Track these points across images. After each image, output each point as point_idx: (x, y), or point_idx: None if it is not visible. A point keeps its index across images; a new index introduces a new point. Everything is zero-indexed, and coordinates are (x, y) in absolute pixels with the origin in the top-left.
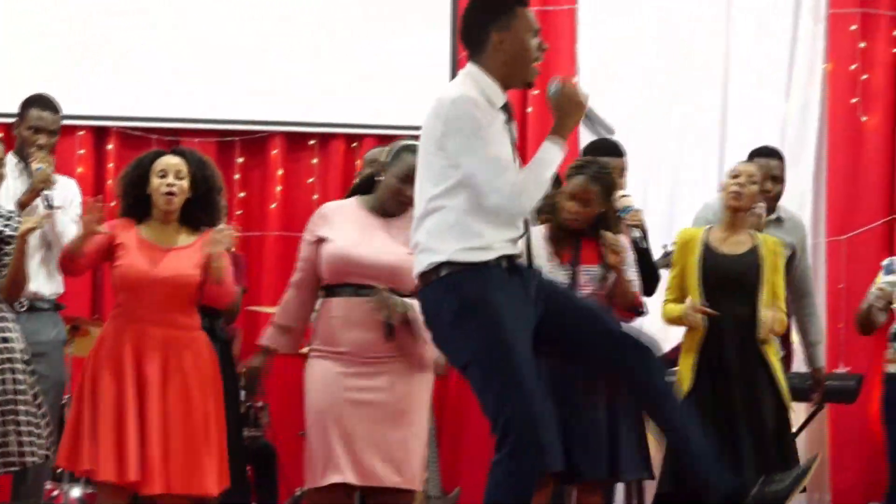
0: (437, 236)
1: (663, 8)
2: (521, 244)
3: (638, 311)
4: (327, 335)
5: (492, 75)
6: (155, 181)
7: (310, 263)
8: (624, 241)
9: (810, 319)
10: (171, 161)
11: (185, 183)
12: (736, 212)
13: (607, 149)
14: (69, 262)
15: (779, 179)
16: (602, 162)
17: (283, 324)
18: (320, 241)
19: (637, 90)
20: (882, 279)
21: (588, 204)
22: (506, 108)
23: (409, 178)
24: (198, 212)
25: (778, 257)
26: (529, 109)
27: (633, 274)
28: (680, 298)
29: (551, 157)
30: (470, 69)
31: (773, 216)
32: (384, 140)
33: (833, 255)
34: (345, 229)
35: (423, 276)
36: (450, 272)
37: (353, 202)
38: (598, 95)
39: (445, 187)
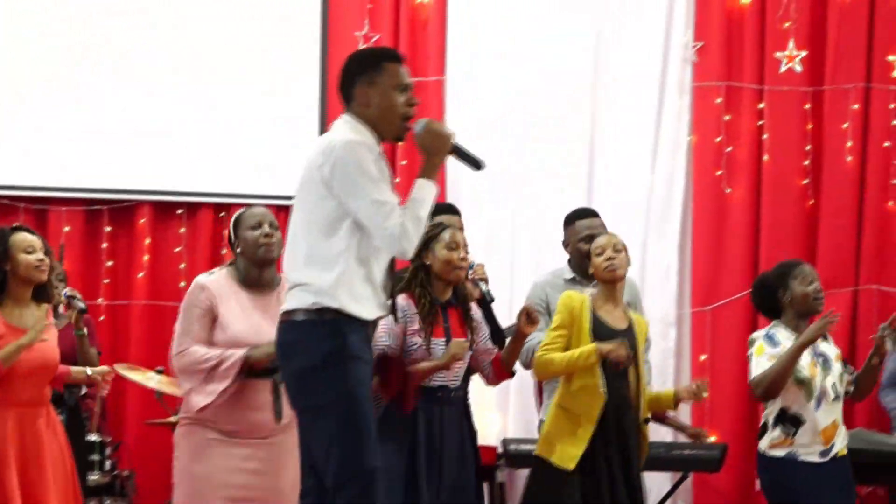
0: (327, 281)
1: (530, 81)
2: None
3: (513, 373)
4: (211, 409)
5: (366, 126)
6: (23, 257)
7: (203, 333)
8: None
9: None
10: (33, 237)
11: (47, 259)
12: (616, 283)
13: (443, 208)
14: None
15: None
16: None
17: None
18: (214, 317)
19: (503, 163)
20: (767, 351)
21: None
22: (382, 159)
23: (257, 225)
24: (46, 288)
25: (644, 337)
26: (403, 162)
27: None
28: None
29: (425, 195)
30: (346, 118)
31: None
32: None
33: (697, 327)
34: (232, 311)
35: (302, 311)
36: (334, 318)
37: (226, 276)
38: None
39: (335, 231)
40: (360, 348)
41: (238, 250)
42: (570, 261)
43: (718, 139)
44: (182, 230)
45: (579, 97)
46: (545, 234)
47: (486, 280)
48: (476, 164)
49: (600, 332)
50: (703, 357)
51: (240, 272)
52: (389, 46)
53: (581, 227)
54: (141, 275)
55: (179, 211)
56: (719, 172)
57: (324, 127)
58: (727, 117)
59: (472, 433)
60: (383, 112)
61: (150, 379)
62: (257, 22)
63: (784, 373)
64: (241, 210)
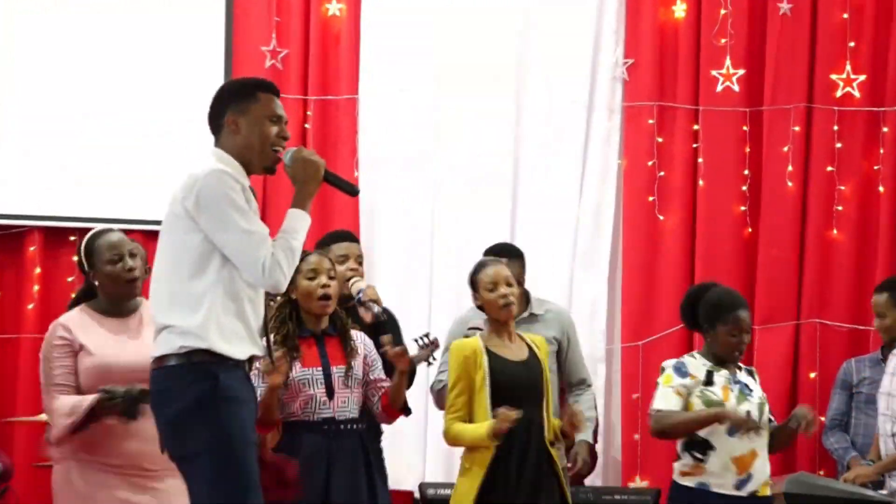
0: (195, 321)
1: (449, 103)
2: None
3: (408, 411)
4: (92, 443)
5: (234, 157)
6: None
7: (68, 376)
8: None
9: (581, 397)
10: None
11: None
12: (509, 321)
13: (341, 236)
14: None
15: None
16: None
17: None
18: (77, 350)
19: (418, 191)
20: (675, 382)
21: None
22: (250, 192)
23: (117, 258)
24: None
25: (548, 356)
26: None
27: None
28: (467, 417)
29: (298, 225)
30: (213, 150)
31: (524, 314)
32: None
33: (628, 363)
34: (95, 340)
35: (171, 356)
36: (204, 360)
37: (82, 311)
38: (374, 184)
39: (202, 267)
40: (235, 388)
41: (95, 283)
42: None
43: (651, 163)
44: (75, 258)
45: (501, 119)
46: (466, 265)
47: (377, 301)
48: (350, 190)
49: (501, 371)
50: (635, 395)
51: (99, 304)
52: (263, 77)
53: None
54: (31, 306)
55: (72, 237)
56: (651, 198)
57: None
58: (660, 139)
59: (378, 473)
60: (253, 142)
61: (40, 416)
62: (156, 38)
63: (686, 429)
64: (93, 234)
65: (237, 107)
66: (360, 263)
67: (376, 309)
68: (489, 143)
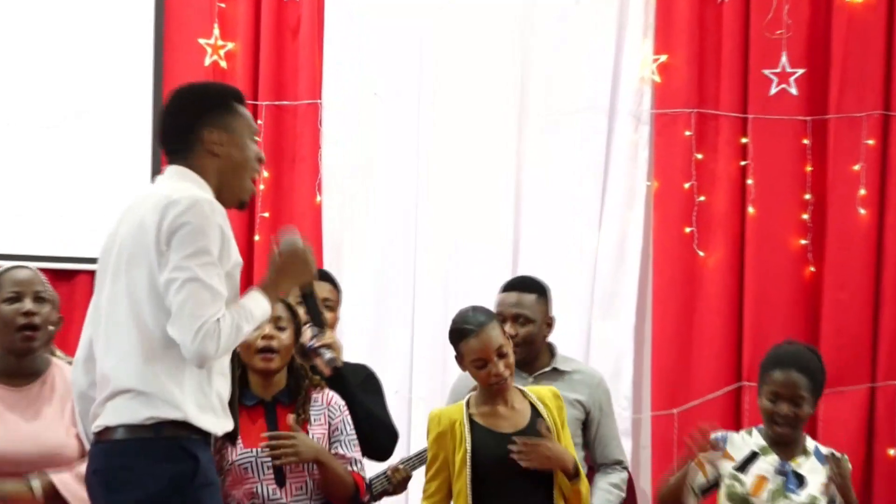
0: (170, 386)
1: (435, 106)
2: None
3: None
4: None
5: (209, 184)
6: None
7: None
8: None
9: (610, 476)
10: None
11: None
12: (502, 392)
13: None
14: None
15: (527, 320)
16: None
17: None
18: None
19: (396, 217)
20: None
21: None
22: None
23: (14, 297)
24: None
25: (562, 411)
26: (256, 237)
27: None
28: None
29: (258, 312)
30: (179, 170)
31: (545, 368)
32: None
33: (660, 434)
34: None
35: (129, 428)
36: (177, 435)
37: None
38: (341, 211)
39: (166, 332)
40: (212, 471)
41: None
42: None
43: (688, 185)
44: None
45: (500, 130)
46: (455, 310)
47: (331, 345)
48: (317, 322)
49: (486, 446)
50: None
51: None
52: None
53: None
54: None
55: None
56: (689, 229)
57: (157, 162)
58: (699, 155)
59: None
60: (234, 166)
61: None
62: (71, 28)
63: (676, 490)
64: (1, 270)
65: (215, 121)
66: (331, 308)
67: (328, 354)
68: (485, 159)
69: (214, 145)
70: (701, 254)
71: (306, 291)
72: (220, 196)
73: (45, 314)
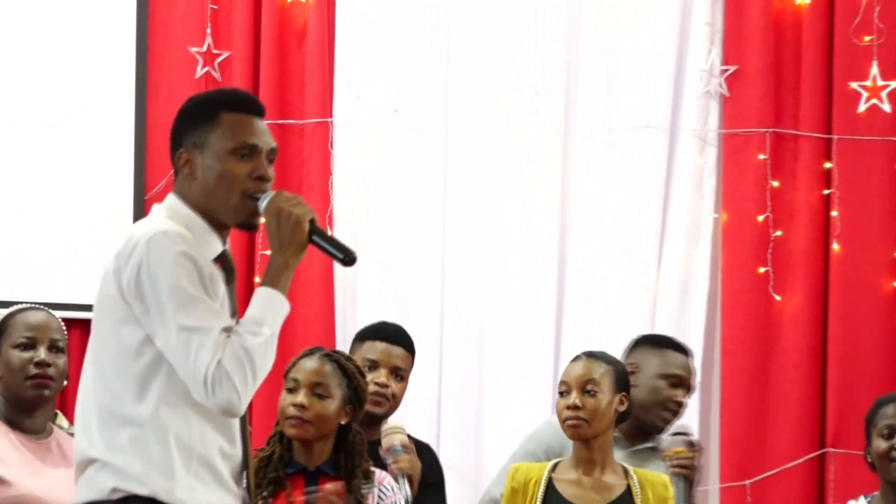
0: (128, 452)
1: (466, 126)
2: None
3: None
4: None
5: (195, 210)
6: None
7: None
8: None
9: None
10: None
11: None
12: (586, 441)
13: (379, 331)
14: None
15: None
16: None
17: None
18: None
19: (423, 243)
20: None
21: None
22: (224, 260)
23: (29, 343)
24: None
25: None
26: (257, 279)
27: None
28: None
29: (266, 312)
30: (168, 200)
31: (646, 444)
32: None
33: None
34: (9, 461)
35: None
36: None
37: None
38: (356, 246)
39: (150, 374)
40: None
41: None
42: None
43: (762, 217)
44: None
45: (541, 153)
46: (492, 362)
47: (410, 477)
48: (344, 256)
49: None
50: None
51: (2, 411)
52: (240, 89)
53: (671, 362)
54: None
55: None
56: (764, 269)
57: (140, 198)
58: (775, 183)
59: None
60: (214, 185)
61: None
62: (62, 34)
63: None
64: (11, 311)
65: (192, 137)
66: (402, 378)
67: (405, 488)
68: (524, 188)
69: (187, 166)
70: (777, 298)
71: (312, 238)
72: (216, 223)
73: (62, 367)
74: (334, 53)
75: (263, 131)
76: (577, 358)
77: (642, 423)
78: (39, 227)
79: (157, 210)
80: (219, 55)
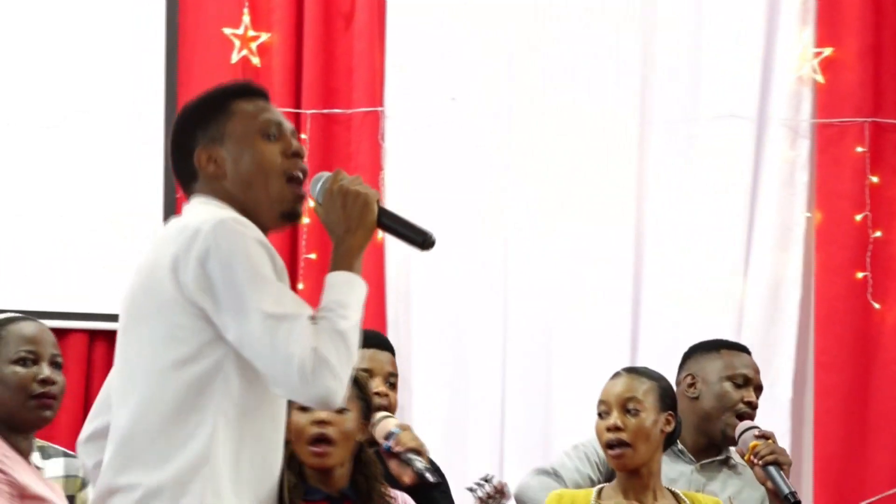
0: (171, 475)
1: (529, 114)
2: None
3: None
4: None
5: (236, 207)
6: None
7: None
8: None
9: None
10: None
11: None
12: (630, 472)
13: (373, 339)
14: None
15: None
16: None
17: None
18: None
19: (482, 242)
20: None
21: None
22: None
23: (29, 358)
24: None
25: None
26: (301, 286)
27: None
28: None
29: (349, 296)
30: (196, 200)
31: (718, 455)
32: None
33: None
34: (27, 479)
35: None
36: None
37: None
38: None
39: (204, 385)
40: None
41: None
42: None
43: (860, 217)
44: None
45: (613, 145)
46: (557, 380)
47: (418, 451)
48: (420, 238)
49: None
50: None
51: None
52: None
53: (731, 363)
54: None
55: None
56: (862, 274)
57: (170, 181)
58: (874, 178)
59: None
60: (249, 174)
61: None
62: (80, 25)
63: None
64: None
65: (207, 133)
66: (393, 386)
67: (418, 464)
68: (595, 182)
69: (211, 164)
70: (877, 306)
71: (381, 221)
72: (257, 218)
73: (62, 385)
74: (385, 35)
75: (279, 112)
76: (616, 374)
77: (710, 436)
78: (69, 229)
79: (197, 206)
80: (257, 37)
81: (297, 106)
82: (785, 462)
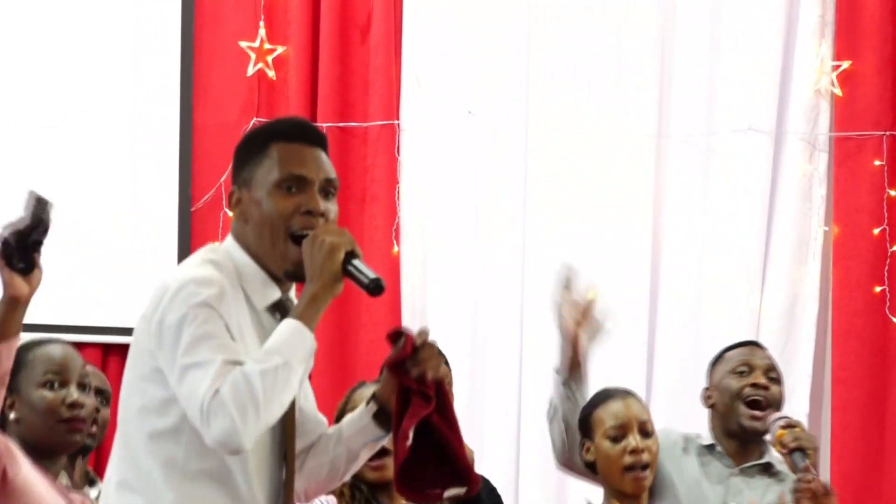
0: None
1: (548, 130)
2: None
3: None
4: None
5: (252, 257)
6: None
7: None
8: None
9: None
10: None
11: None
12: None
13: None
14: None
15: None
16: None
17: None
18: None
19: (499, 260)
20: None
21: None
22: (282, 309)
23: (56, 382)
24: None
25: None
26: None
27: None
28: None
29: (286, 346)
30: (226, 243)
31: (759, 459)
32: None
33: None
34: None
35: None
36: None
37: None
38: (425, 263)
39: (165, 431)
40: None
41: (13, 417)
42: (711, 418)
43: (878, 230)
44: None
45: (630, 159)
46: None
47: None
48: (369, 286)
49: None
50: None
51: None
52: (300, 118)
53: (733, 357)
54: None
55: None
56: (880, 289)
57: (188, 206)
58: (893, 192)
59: None
60: (260, 226)
61: None
62: (92, 31)
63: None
64: (26, 344)
65: (242, 173)
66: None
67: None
68: (612, 196)
69: (237, 207)
70: (895, 320)
71: (347, 270)
72: (270, 273)
73: (91, 408)
74: (401, 48)
75: (318, 161)
76: (613, 397)
77: (734, 434)
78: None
79: (200, 252)
80: (273, 50)
81: (313, 119)
82: (809, 447)
